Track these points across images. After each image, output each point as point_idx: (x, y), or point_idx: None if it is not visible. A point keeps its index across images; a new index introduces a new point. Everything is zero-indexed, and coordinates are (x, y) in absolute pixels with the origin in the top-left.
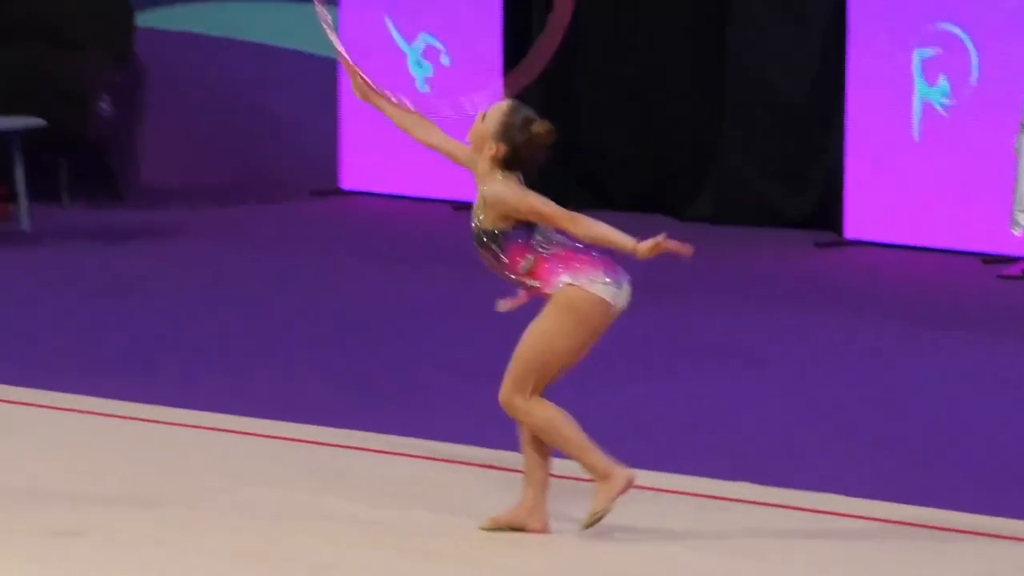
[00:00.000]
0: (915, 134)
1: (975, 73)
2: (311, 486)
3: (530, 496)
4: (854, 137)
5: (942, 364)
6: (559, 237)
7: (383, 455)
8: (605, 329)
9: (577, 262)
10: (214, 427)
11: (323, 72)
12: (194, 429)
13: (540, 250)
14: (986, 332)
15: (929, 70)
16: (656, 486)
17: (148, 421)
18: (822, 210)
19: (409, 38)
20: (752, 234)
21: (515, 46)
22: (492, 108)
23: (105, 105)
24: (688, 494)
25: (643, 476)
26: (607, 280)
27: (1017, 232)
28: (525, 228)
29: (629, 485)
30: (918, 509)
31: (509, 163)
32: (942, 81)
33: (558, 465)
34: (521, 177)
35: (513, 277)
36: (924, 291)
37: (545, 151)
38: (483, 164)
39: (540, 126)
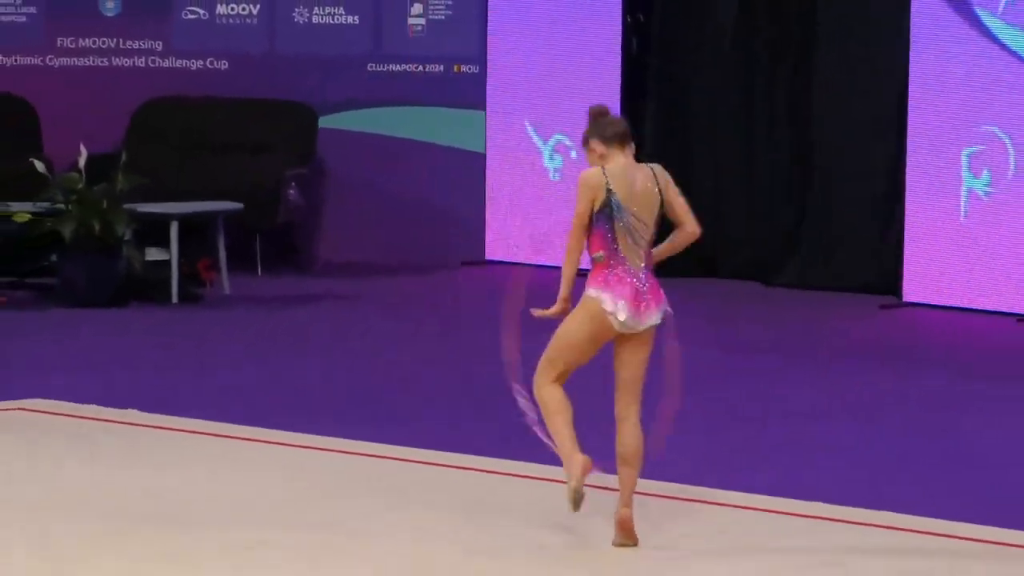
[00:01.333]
0: (962, 215)
1: (1012, 166)
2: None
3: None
4: (912, 217)
5: (988, 405)
6: (621, 259)
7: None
8: (606, 340)
9: (615, 286)
10: (380, 456)
11: (471, 163)
12: (367, 457)
13: (609, 255)
14: (1021, 377)
15: (974, 164)
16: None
17: (329, 451)
18: (885, 278)
19: (545, 137)
20: (829, 297)
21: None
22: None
23: (292, 193)
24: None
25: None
26: (619, 305)
27: None
28: (607, 225)
29: (585, 471)
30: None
31: (605, 143)
32: (985, 173)
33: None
34: (631, 159)
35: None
36: (973, 346)
37: (607, 115)
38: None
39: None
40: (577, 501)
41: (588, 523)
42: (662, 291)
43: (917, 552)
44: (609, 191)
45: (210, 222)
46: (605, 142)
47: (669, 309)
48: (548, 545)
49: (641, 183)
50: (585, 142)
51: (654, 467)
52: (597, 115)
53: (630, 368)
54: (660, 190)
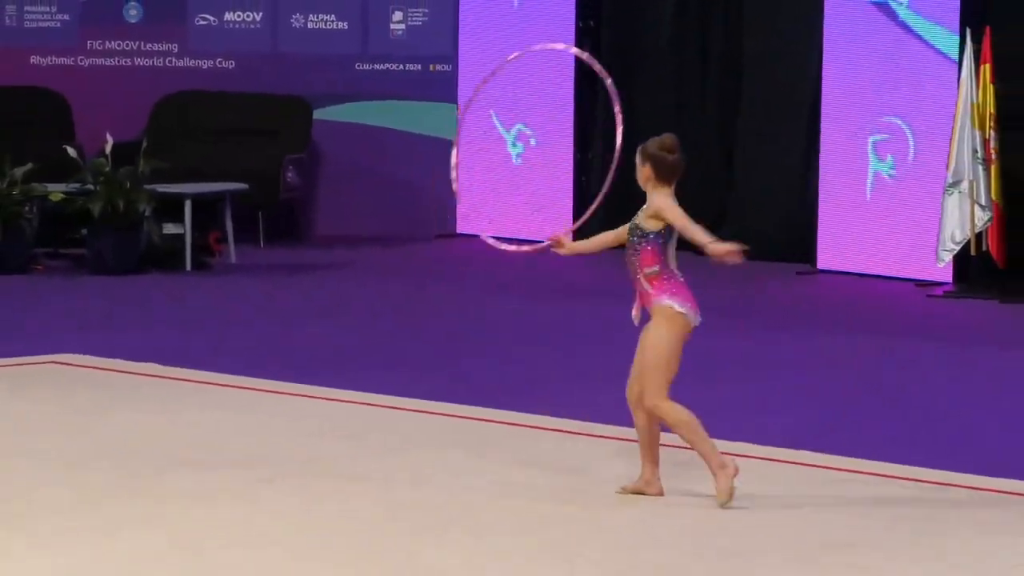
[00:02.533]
0: (868, 193)
1: (912, 152)
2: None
3: (648, 470)
4: (825, 195)
5: (893, 358)
6: (675, 268)
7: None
8: (686, 341)
9: (678, 290)
10: (371, 403)
11: (444, 150)
12: (362, 406)
13: (663, 267)
14: (919, 335)
15: (880, 149)
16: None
17: (321, 399)
18: (801, 247)
19: (507, 126)
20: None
21: (582, 131)
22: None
23: (290, 176)
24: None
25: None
26: (688, 307)
27: (941, 265)
28: (663, 242)
29: (736, 471)
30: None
31: (659, 176)
32: (889, 158)
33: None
34: (673, 190)
35: (639, 274)
36: (878, 307)
37: (676, 154)
38: (647, 188)
39: (664, 137)
40: (732, 496)
41: (563, 464)
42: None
43: (861, 488)
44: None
45: (219, 200)
46: (663, 178)
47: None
48: (534, 484)
49: None
50: (644, 162)
51: (611, 416)
52: (667, 149)
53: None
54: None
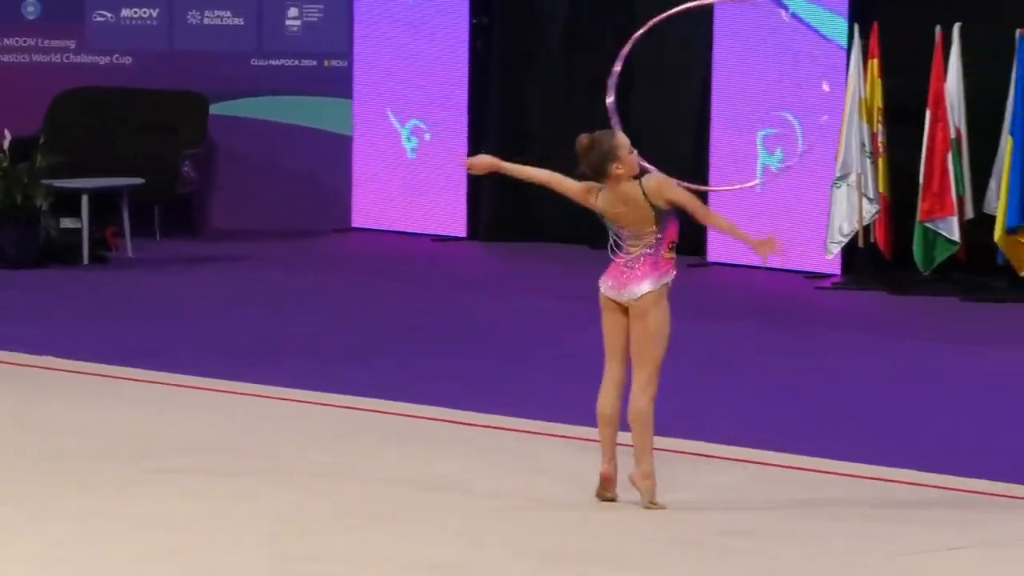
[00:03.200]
0: (758, 187)
1: (801, 146)
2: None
3: (645, 463)
4: (716, 186)
5: (786, 345)
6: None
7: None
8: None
9: (661, 266)
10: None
11: (340, 144)
12: (257, 398)
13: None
14: (810, 325)
15: (768, 143)
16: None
17: (217, 391)
18: (691, 241)
19: (402, 121)
20: None
21: (477, 127)
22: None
23: (187, 170)
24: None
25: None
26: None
27: (830, 256)
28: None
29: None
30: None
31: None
32: (777, 151)
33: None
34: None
35: (662, 252)
36: (768, 299)
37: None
38: (613, 182)
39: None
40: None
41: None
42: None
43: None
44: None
45: (116, 195)
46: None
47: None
48: (437, 474)
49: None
50: (614, 160)
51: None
52: (627, 148)
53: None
54: (648, 197)
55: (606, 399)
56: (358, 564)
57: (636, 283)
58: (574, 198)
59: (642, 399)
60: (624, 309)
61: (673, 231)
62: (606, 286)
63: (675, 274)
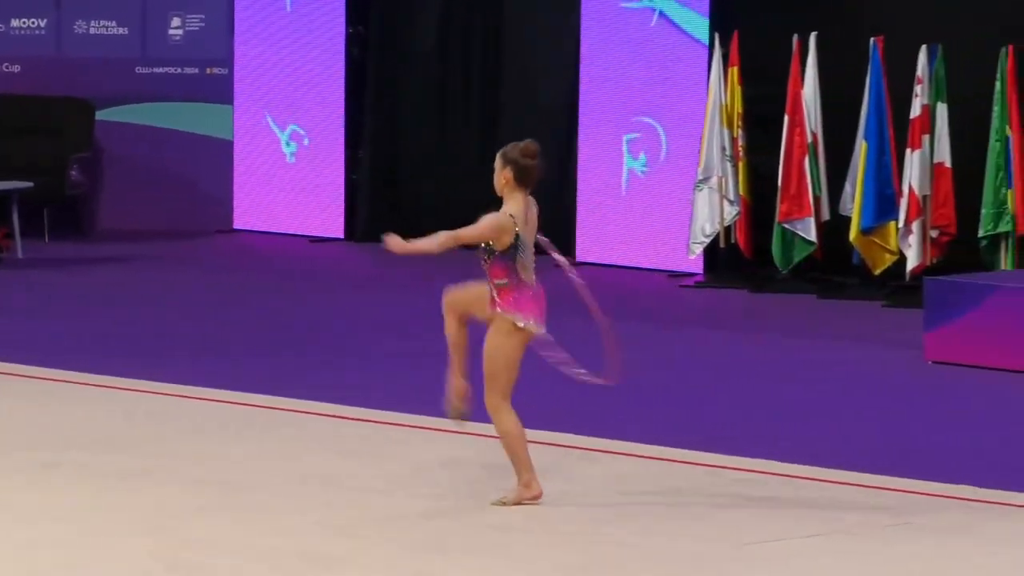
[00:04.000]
0: (623, 189)
1: (664, 150)
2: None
3: (525, 477)
4: (583, 191)
5: (655, 345)
6: (524, 283)
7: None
8: (524, 351)
9: (522, 304)
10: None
11: (221, 149)
12: (144, 393)
13: (512, 280)
14: (671, 321)
15: (633, 147)
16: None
17: (105, 387)
18: (559, 241)
19: (282, 127)
20: None
21: (353, 131)
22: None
23: (74, 174)
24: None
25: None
26: (530, 320)
27: (692, 256)
28: (511, 257)
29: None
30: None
31: (517, 181)
32: (641, 155)
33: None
34: (527, 196)
35: (489, 283)
36: (633, 296)
37: (536, 159)
38: (503, 194)
39: (526, 143)
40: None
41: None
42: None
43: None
44: (517, 235)
45: (6, 198)
46: (521, 183)
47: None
48: (344, 470)
49: (532, 215)
50: (505, 165)
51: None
52: (529, 155)
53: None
54: (537, 215)
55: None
56: (244, 555)
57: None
58: (490, 236)
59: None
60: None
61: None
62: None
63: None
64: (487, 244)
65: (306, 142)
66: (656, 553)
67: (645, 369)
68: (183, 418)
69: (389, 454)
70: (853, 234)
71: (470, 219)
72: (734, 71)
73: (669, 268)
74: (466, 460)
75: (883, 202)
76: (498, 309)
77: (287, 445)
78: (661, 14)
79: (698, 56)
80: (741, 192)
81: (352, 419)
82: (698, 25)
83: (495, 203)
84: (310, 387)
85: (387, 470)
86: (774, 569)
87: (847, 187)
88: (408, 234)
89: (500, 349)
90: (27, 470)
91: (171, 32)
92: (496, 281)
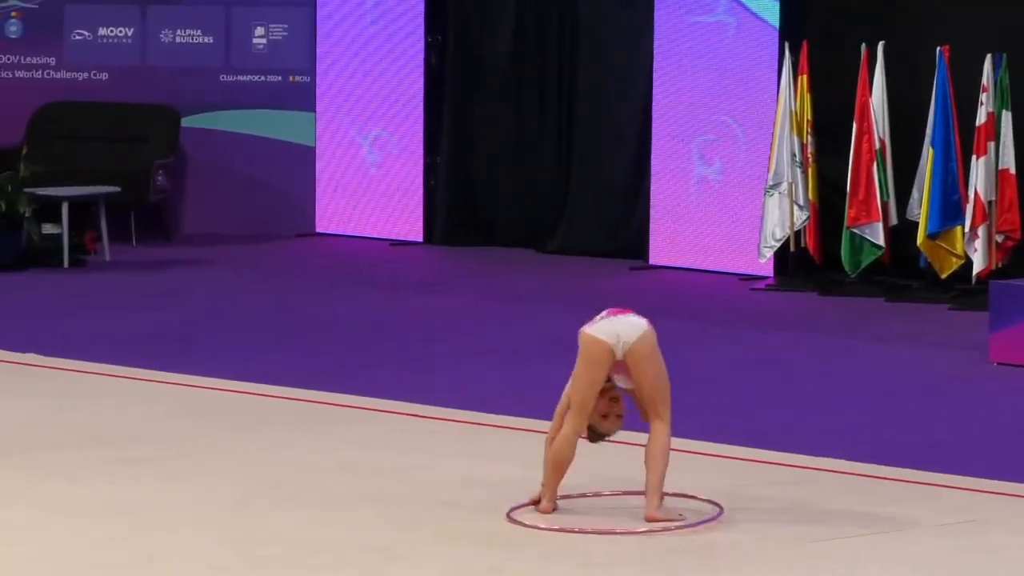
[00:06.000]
0: (695, 195)
1: (735, 157)
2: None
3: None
4: (656, 195)
5: (726, 345)
6: None
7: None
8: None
9: None
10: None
11: (304, 155)
12: (224, 392)
13: None
14: (746, 324)
15: (705, 153)
16: None
17: (186, 386)
18: (634, 245)
19: (362, 133)
20: (588, 261)
21: (431, 138)
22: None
23: (160, 178)
24: None
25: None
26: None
27: (763, 260)
28: None
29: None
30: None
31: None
32: (715, 162)
33: None
34: None
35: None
36: (705, 299)
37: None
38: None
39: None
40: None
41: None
42: None
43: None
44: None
45: (94, 202)
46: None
47: None
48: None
49: None
50: None
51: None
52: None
53: None
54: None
55: (568, 446)
56: (309, 548)
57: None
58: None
59: (663, 435)
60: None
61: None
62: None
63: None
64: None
65: (385, 148)
66: (726, 549)
67: (715, 369)
68: (259, 416)
69: (449, 451)
70: (920, 239)
71: (546, 223)
72: (803, 79)
73: (740, 271)
74: (524, 458)
75: (949, 207)
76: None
77: (360, 441)
78: (733, 24)
79: (769, 65)
80: (810, 197)
81: (411, 415)
82: (768, 35)
83: (574, 211)
84: (385, 385)
85: (447, 466)
86: (837, 565)
87: (914, 193)
88: (483, 238)
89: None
90: (103, 465)
91: (255, 41)
92: None
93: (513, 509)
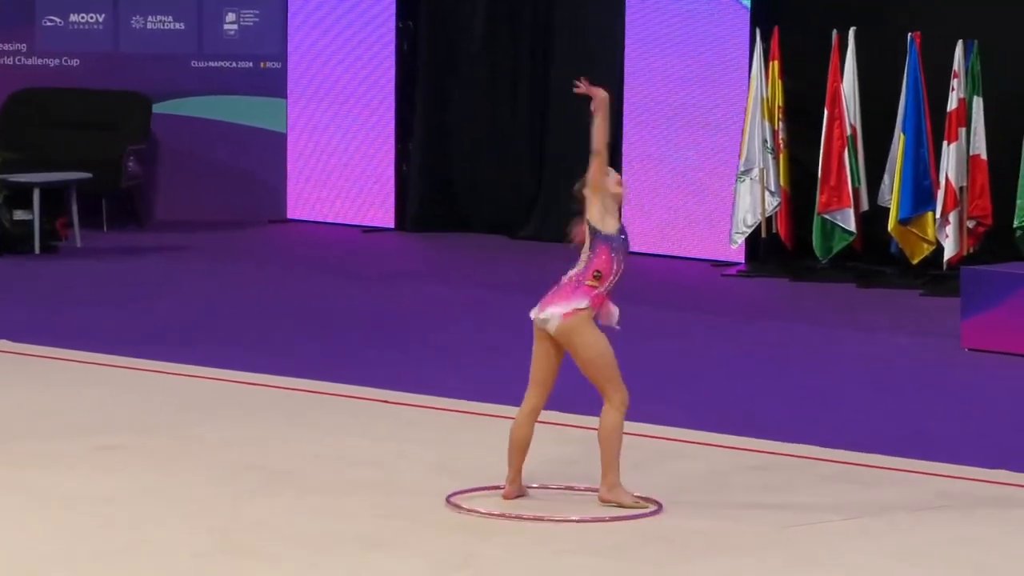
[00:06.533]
0: (667, 180)
1: (706, 143)
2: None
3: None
4: (628, 181)
5: (697, 331)
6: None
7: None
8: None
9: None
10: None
11: (275, 141)
12: (186, 377)
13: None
14: (718, 310)
15: (677, 139)
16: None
17: (159, 373)
18: None
19: (334, 119)
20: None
21: (403, 124)
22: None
23: (131, 165)
24: None
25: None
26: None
27: (734, 246)
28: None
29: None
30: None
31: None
32: (686, 148)
33: None
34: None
35: (577, 273)
36: (677, 285)
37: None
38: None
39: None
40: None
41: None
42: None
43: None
44: (621, 229)
45: (65, 189)
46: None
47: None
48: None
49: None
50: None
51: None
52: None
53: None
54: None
55: (518, 425)
56: (296, 539)
57: (548, 305)
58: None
59: (608, 415)
60: (552, 338)
61: (599, 260)
62: (535, 309)
63: (589, 303)
64: (591, 224)
65: (358, 135)
66: (699, 535)
67: (687, 355)
68: (234, 403)
69: (436, 439)
70: (891, 224)
71: (519, 210)
72: (775, 65)
73: (712, 258)
74: (501, 447)
75: (921, 193)
76: (558, 307)
77: (336, 429)
78: (704, 9)
79: (739, 50)
80: (782, 183)
81: (397, 403)
82: (741, 20)
83: (546, 198)
84: (359, 373)
85: (435, 454)
86: (812, 550)
87: (885, 178)
88: (456, 226)
89: (594, 344)
90: (81, 454)
91: (226, 27)
92: (589, 280)
93: (453, 494)
